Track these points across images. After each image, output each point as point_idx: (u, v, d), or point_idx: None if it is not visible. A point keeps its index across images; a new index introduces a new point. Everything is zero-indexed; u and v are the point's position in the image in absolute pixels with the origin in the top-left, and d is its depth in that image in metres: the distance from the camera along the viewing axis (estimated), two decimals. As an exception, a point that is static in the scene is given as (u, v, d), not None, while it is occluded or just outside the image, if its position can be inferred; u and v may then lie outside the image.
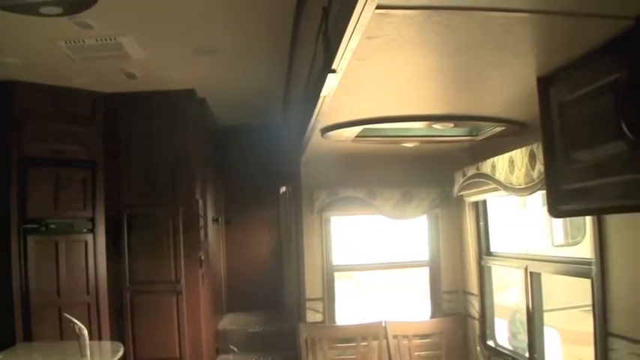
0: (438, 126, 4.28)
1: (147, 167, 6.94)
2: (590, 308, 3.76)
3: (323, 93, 3.20)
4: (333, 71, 2.75)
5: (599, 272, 3.65)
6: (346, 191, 6.06)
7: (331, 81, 2.90)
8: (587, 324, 3.83)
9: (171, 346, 6.83)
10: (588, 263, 3.81)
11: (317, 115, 3.80)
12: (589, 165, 2.66)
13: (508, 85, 3.37)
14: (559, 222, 5.42)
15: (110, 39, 5.26)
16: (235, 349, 8.08)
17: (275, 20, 5.06)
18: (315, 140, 4.71)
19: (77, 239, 6.61)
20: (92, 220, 6.72)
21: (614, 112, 2.40)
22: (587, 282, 3.80)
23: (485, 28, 2.35)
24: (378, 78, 3.09)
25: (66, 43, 5.29)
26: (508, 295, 6.13)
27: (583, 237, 3.99)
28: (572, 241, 5.11)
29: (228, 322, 8.83)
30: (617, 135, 2.36)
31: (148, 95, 6.89)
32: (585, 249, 3.81)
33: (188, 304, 6.89)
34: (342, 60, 2.60)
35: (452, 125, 4.35)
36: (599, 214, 3.50)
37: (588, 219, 3.78)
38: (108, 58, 5.72)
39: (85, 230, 6.67)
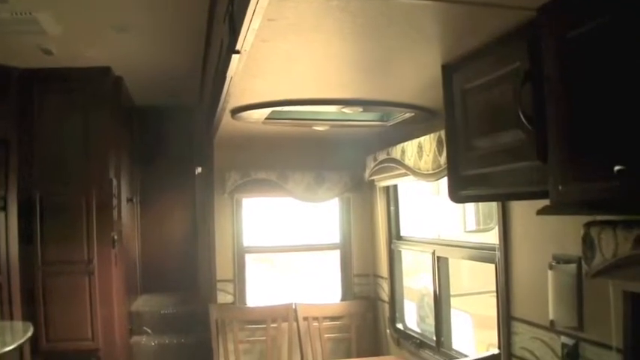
0: (347, 110, 4.28)
1: (60, 145, 6.78)
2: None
3: (229, 74, 3.18)
4: (237, 52, 2.74)
5: (502, 257, 3.71)
6: (258, 173, 6.03)
7: (236, 62, 2.89)
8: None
9: (84, 327, 6.72)
10: (493, 249, 3.88)
11: (225, 95, 3.78)
12: (488, 152, 2.71)
13: (414, 72, 3.40)
14: (471, 208, 5.49)
15: (26, 14, 5.12)
16: (149, 330, 8.01)
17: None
18: (226, 121, 4.67)
19: (-13, 218, 6.44)
20: (4, 198, 6.48)
21: (512, 101, 2.44)
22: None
23: (385, 15, 2.36)
24: (284, 60, 3.08)
25: (-21, 16, 5.14)
26: (423, 278, 6.20)
27: (495, 224, 4.04)
28: (484, 227, 5.18)
29: (142, 303, 8.74)
30: (515, 123, 2.40)
31: (64, 72, 6.72)
32: (496, 235, 3.87)
33: (101, 285, 6.78)
34: (246, 41, 2.58)
35: (361, 110, 4.36)
36: (497, 200, 3.56)
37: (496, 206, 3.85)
38: (23, 34, 5.57)
39: (-5, 209, 6.49)
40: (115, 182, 7.10)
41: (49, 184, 6.72)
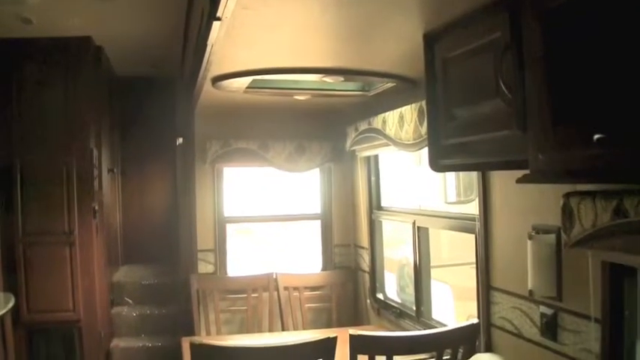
0: (328, 79, 4.26)
1: (40, 115, 6.68)
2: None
3: (209, 41, 3.16)
4: (218, 19, 2.72)
5: (482, 228, 3.73)
6: (239, 143, 6.01)
7: (216, 29, 2.87)
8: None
9: (65, 298, 6.66)
10: (473, 219, 3.89)
11: (206, 64, 3.76)
12: (469, 121, 2.71)
13: (396, 41, 3.38)
14: (452, 180, 5.50)
15: (4, -18, 5.07)
16: (130, 301, 7.98)
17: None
18: (207, 90, 4.64)
19: (-33, 190, 6.37)
20: (-16, 169, 6.47)
21: (493, 70, 2.44)
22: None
23: (366, -19, 2.35)
24: (266, 28, 3.06)
25: (-44, -16, 5.06)
26: (404, 249, 6.21)
27: (476, 195, 4.05)
28: (465, 199, 5.18)
29: (123, 274, 8.70)
30: (496, 93, 2.40)
31: (44, 41, 6.60)
32: (476, 206, 3.88)
33: (82, 256, 6.71)
34: (227, 8, 2.56)
35: (342, 79, 4.34)
36: (477, 169, 3.57)
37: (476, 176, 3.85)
38: (2, 3, 5.45)
39: (-24, 180, 6.42)
40: (95, 152, 7.04)
41: (29, 154, 6.63)
